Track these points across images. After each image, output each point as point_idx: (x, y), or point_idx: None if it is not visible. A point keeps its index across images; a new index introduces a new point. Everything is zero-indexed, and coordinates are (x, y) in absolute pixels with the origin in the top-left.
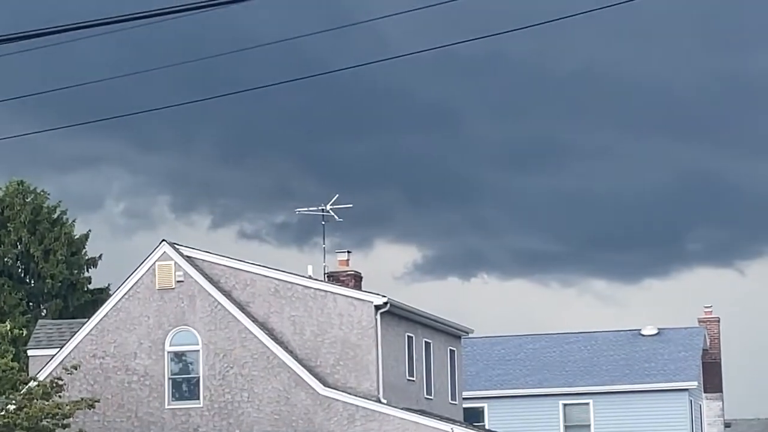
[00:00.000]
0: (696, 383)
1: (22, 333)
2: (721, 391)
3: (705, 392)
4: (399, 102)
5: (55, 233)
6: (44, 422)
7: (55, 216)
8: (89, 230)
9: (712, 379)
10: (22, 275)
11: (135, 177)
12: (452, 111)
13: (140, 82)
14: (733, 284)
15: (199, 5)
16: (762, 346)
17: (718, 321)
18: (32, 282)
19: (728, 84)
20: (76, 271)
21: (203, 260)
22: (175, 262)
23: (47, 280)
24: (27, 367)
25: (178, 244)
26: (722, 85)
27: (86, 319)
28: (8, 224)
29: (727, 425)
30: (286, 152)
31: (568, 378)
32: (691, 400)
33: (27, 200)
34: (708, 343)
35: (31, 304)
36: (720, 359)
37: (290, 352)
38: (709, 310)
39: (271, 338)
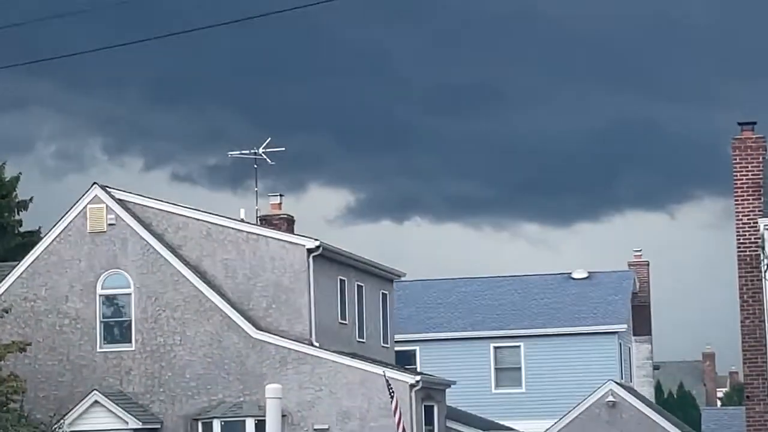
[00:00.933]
0: (625, 326)
1: None
2: (650, 334)
3: (634, 335)
4: (331, 46)
5: None
6: None
7: None
8: (20, 173)
9: (641, 322)
10: None
11: (66, 119)
12: (385, 55)
13: (70, 23)
14: (663, 227)
15: None
16: (690, 290)
17: (648, 265)
18: None
19: (660, 32)
20: (6, 214)
21: (135, 203)
22: (107, 205)
23: None
24: None
25: (109, 187)
26: (654, 33)
27: (17, 262)
28: None
29: (655, 367)
30: (218, 95)
31: (499, 321)
32: (620, 343)
33: None
34: (637, 287)
35: None
36: (649, 303)
37: (222, 296)
38: (639, 253)
39: (204, 281)
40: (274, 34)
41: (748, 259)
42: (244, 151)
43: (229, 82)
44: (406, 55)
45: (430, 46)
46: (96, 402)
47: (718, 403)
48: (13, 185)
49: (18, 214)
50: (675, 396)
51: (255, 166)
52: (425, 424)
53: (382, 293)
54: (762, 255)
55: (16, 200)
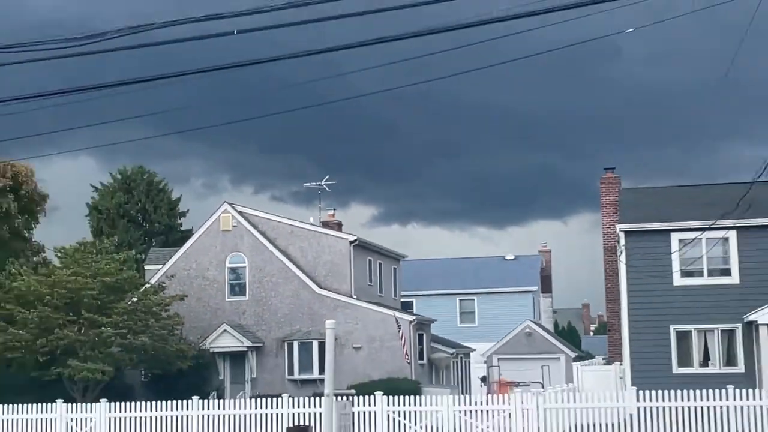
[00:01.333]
0: (536, 288)
1: (141, 256)
2: (551, 293)
3: (542, 293)
4: (364, 121)
5: (160, 197)
6: (154, 308)
7: (161, 187)
8: (180, 195)
9: (546, 285)
10: (142, 222)
11: (208, 164)
12: (395, 125)
13: (212, 107)
14: (560, 230)
15: (250, 62)
16: (575, 266)
17: (550, 251)
18: (147, 225)
19: (559, 112)
20: (173, 219)
21: (249, 213)
22: (232, 215)
23: (156, 225)
24: (144, 276)
25: (233, 204)
26: (556, 112)
27: (178, 248)
28: (133, 191)
29: (554, 312)
30: (300, 149)
31: (462, 284)
32: (533, 298)
33: (144, 177)
34: (544, 264)
35: (146, 238)
36: (551, 274)
37: (300, 269)
38: (545, 245)
39: (289, 260)
40: (332, 113)
41: (610, 248)
42: (313, 183)
43: (306, 141)
44: (406, 124)
45: (421, 118)
46: (225, 330)
47: (591, 333)
48: (176, 203)
49: (179, 219)
50: (566, 329)
51: (319, 192)
52: (418, 345)
53: (393, 267)
54: (618, 246)
55: (179, 211)
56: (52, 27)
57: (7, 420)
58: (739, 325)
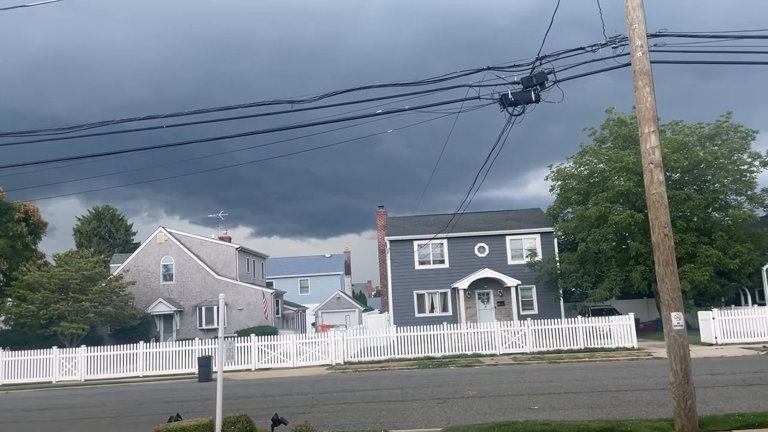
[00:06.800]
0: (342, 272)
1: (108, 259)
2: (351, 274)
3: (345, 275)
4: (242, 179)
5: (120, 223)
6: (115, 290)
7: (120, 217)
8: (133, 222)
9: (347, 270)
10: (108, 238)
11: (151, 202)
12: (261, 181)
13: (155, 168)
14: (356, 239)
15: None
16: (363, 259)
17: (350, 252)
18: (111, 241)
19: (353, 176)
20: (128, 236)
21: (175, 232)
22: (164, 233)
23: (117, 240)
24: (109, 270)
25: (165, 227)
26: (351, 177)
27: (131, 253)
28: (102, 220)
29: (353, 285)
30: (207, 194)
31: (301, 271)
32: (341, 278)
33: (110, 211)
34: (347, 259)
35: (111, 248)
36: (351, 264)
37: (206, 264)
38: (347, 248)
39: (200, 261)
40: (224, 174)
41: (381, 250)
42: (215, 214)
43: (211, 189)
44: (268, 182)
45: (275, 179)
46: (160, 301)
47: (372, 296)
48: (130, 227)
49: (132, 237)
50: (359, 294)
51: (218, 219)
52: (276, 306)
53: (262, 262)
54: (386, 248)
55: (132, 232)
56: (54, 120)
57: (23, 360)
58: (449, 290)
